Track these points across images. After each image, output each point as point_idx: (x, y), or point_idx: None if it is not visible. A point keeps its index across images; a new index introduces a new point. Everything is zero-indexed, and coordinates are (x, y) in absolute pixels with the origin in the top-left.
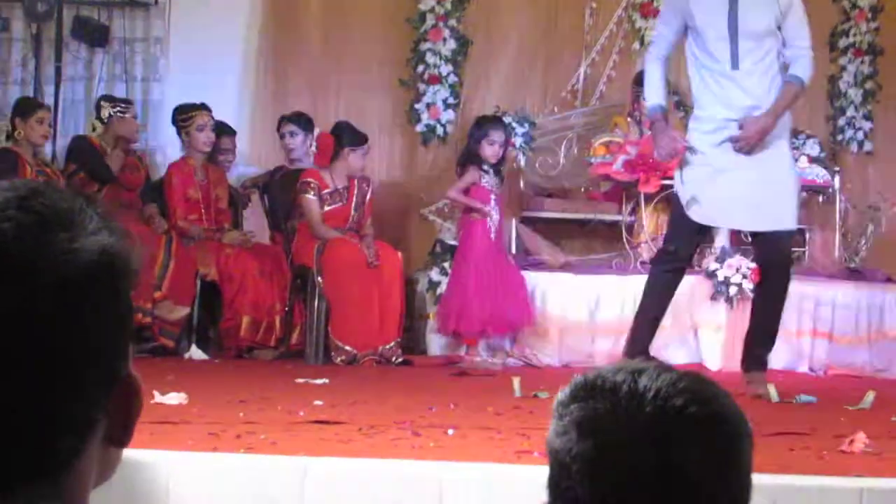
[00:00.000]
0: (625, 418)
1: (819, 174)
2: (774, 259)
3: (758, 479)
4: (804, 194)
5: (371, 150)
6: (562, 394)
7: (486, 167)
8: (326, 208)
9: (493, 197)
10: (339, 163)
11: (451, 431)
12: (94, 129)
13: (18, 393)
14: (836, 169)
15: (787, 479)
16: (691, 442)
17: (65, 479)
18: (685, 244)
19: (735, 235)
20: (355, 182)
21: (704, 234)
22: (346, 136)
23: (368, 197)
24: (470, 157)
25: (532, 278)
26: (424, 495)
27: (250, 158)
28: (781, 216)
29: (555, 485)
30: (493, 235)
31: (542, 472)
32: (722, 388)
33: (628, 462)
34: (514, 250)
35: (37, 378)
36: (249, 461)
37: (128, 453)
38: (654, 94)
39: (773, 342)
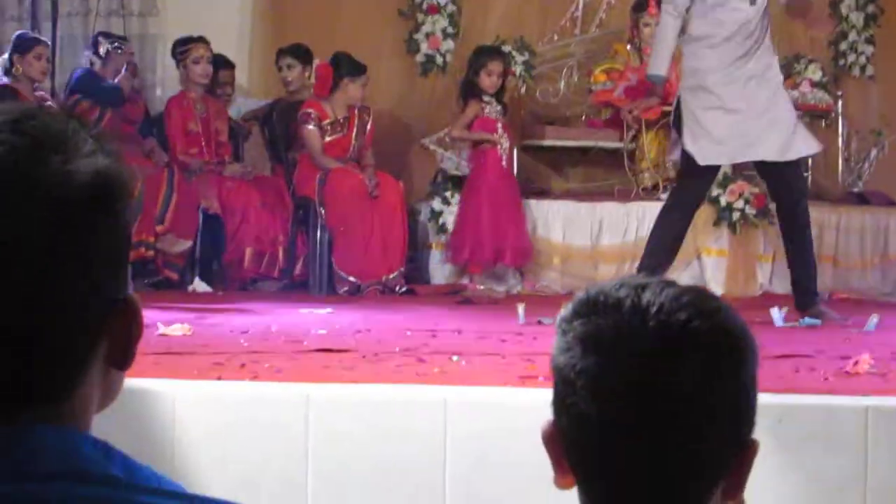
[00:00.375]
0: (628, 333)
1: (821, 99)
2: (792, 191)
3: (763, 398)
4: (807, 119)
5: (370, 80)
6: (564, 310)
7: (486, 98)
8: (327, 139)
9: (499, 125)
10: (339, 93)
11: (455, 357)
12: (91, 65)
13: (15, 317)
14: (839, 93)
15: (793, 399)
16: (695, 356)
17: (66, 403)
18: (703, 192)
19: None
20: (355, 112)
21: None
22: (345, 67)
23: (369, 127)
24: (470, 89)
25: (534, 206)
26: (429, 419)
27: (250, 91)
28: (787, 146)
29: (559, 402)
30: (504, 163)
31: (546, 396)
32: (726, 302)
33: (632, 377)
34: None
35: (33, 302)
36: (254, 389)
37: (134, 382)
38: (661, 64)
39: (816, 270)
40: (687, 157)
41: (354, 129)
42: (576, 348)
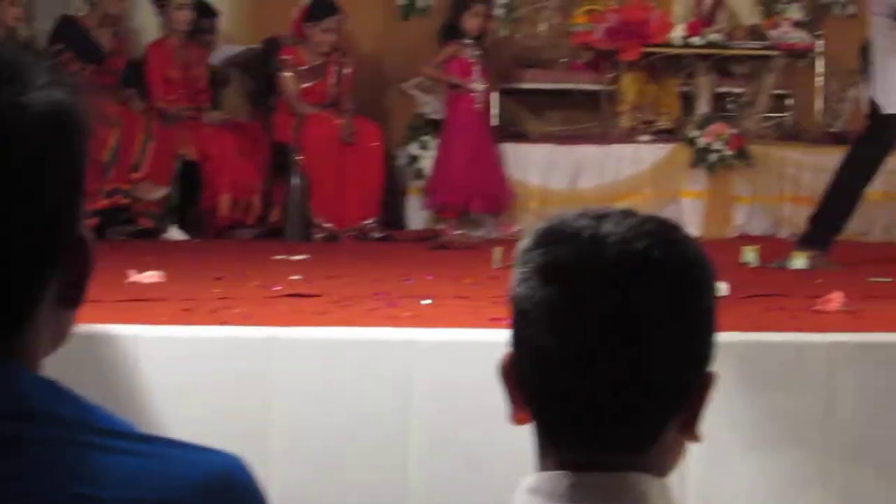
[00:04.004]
0: (587, 263)
1: (801, 38)
2: None
3: (730, 336)
4: (786, 59)
5: (347, 23)
6: (525, 241)
7: (466, 40)
8: (304, 85)
9: (476, 69)
10: (312, 38)
11: (426, 301)
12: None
13: None
14: (819, 33)
15: (758, 336)
16: (654, 285)
17: (17, 341)
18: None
19: (716, 102)
20: (333, 57)
21: None
22: (309, 11)
23: (347, 72)
24: (451, 31)
25: (513, 149)
26: (395, 361)
27: (231, 38)
28: None
29: (517, 333)
30: (478, 107)
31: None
32: (686, 232)
33: (591, 306)
34: (497, 122)
35: None
36: (218, 332)
37: (98, 328)
38: None
39: None
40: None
41: (332, 75)
42: (534, 278)
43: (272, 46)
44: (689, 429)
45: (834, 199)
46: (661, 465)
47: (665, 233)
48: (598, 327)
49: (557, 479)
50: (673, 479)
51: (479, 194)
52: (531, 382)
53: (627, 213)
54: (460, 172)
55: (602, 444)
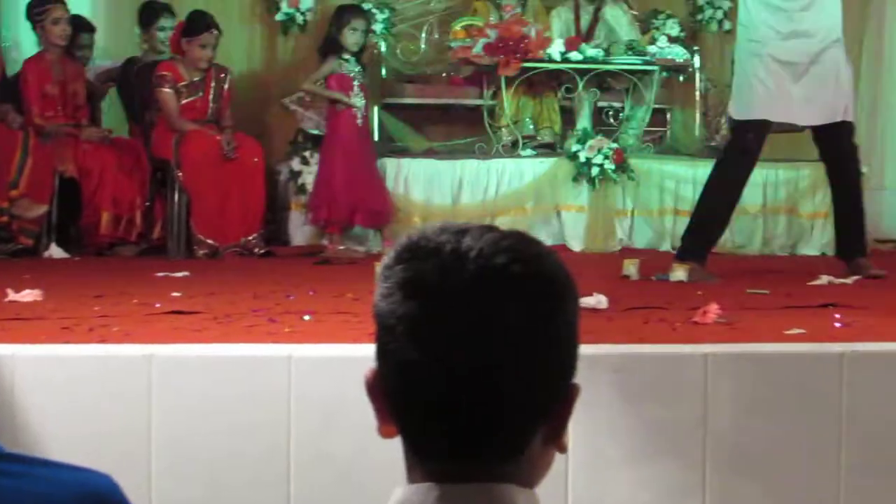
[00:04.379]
0: (448, 278)
1: (679, 54)
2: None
3: (606, 349)
4: (664, 74)
5: (226, 40)
6: (387, 257)
7: (346, 56)
8: (183, 101)
9: (356, 83)
10: (189, 54)
11: (307, 317)
12: None
13: None
14: (696, 48)
15: (634, 349)
16: (514, 300)
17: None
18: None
19: (597, 117)
20: (212, 73)
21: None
22: (184, 28)
23: (226, 88)
24: (331, 46)
25: (395, 165)
26: (273, 377)
27: (107, 53)
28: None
29: (381, 349)
30: (359, 122)
31: None
32: (546, 247)
33: (452, 320)
34: (377, 138)
35: None
36: (96, 351)
37: None
38: None
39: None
40: None
41: (211, 91)
42: (396, 294)
43: (132, 65)
44: (555, 439)
45: (705, 211)
46: (529, 475)
47: (524, 247)
48: (461, 341)
49: (425, 491)
50: (555, 491)
51: (362, 209)
52: (396, 396)
53: (487, 229)
54: (342, 187)
55: (468, 456)
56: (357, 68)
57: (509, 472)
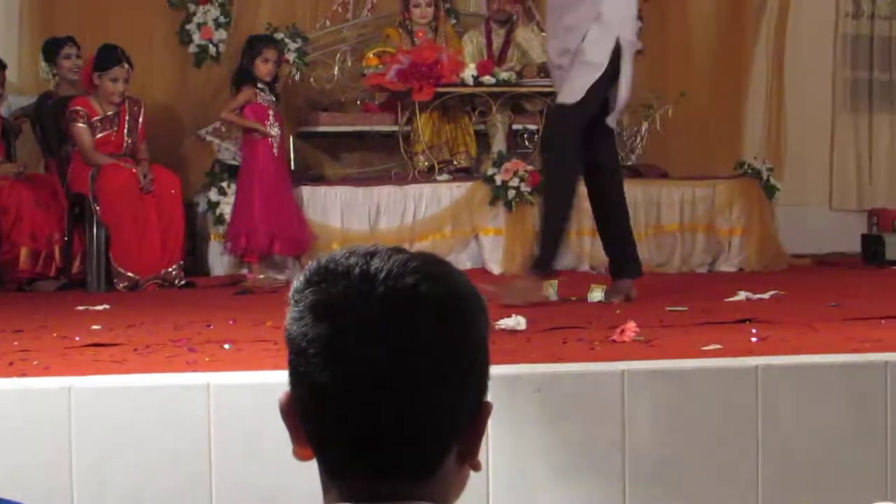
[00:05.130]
0: (357, 300)
1: None
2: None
3: (524, 369)
4: None
5: (142, 72)
6: (297, 281)
7: (260, 85)
8: (98, 135)
9: (271, 113)
10: (101, 88)
11: (227, 346)
12: None
13: None
14: None
15: (553, 367)
16: (423, 319)
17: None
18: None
19: (511, 140)
20: (126, 106)
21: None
22: (95, 62)
23: (141, 120)
24: (244, 77)
25: (312, 192)
26: (192, 405)
27: (20, 89)
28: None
29: (294, 371)
30: (275, 151)
31: None
32: (453, 267)
33: (363, 342)
34: (293, 166)
35: None
36: (15, 384)
37: None
38: None
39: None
40: None
41: (126, 125)
42: (307, 317)
43: (48, 99)
44: (469, 457)
45: (548, 221)
46: (444, 494)
47: (432, 268)
48: (372, 362)
49: None
50: None
51: (280, 237)
52: (310, 418)
53: (396, 250)
54: (260, 216)
55: (382, 476)
56: (271, 97)
57: (424, 491)
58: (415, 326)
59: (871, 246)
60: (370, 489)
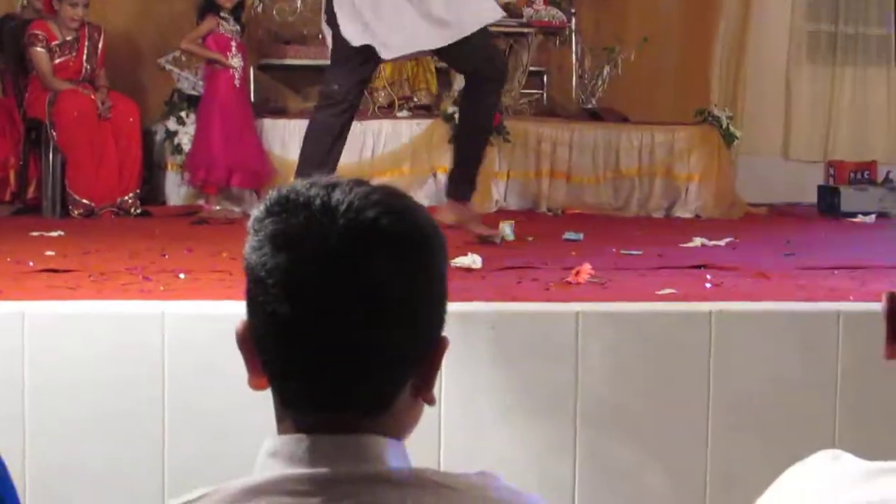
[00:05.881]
0: (318, 231)
1: (555, 16)
2: (480, 69)
3: (479, 306)
4: (541, 36)
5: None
6: (257, 210)
7: (224, 14)
8: (57, 60)
9: (233, 44)
10: (61, 13)
11: (182, 275)
12: None
13: None
14: (573, 10)
15: (507, 306)
16: (383, 253)
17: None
18: (353, 85)
19: None
20: (86, 32)
21: (371, 73)
22: None
23: (100, 47)
24: (208, 5)
25: (272, 125)
26: (147, 332)
27: None
28: (463, 23)
29: (252, 301)
30: (237, 83)
31: None
32: (415, 201)
33: (323, 274)
34: (253, 98)
35: None
36: None
37: None
38: None
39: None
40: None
41: (85, 50)
42: (266, 246)
43: (10, 21)
44: (423, 392)
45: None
46: (398, 427)
47: (394, 201)
48: (330, 294)
49: (294, 442)
50: (429, 447)
51: (240, 170)
52: (266, 348)
53: (357, 183)
54: (220, 148)
55: (337, 407)
56: (235, 27)
57: (378, 424)
58: (374, 260)
59: (827, 197)
60: (324, 420)
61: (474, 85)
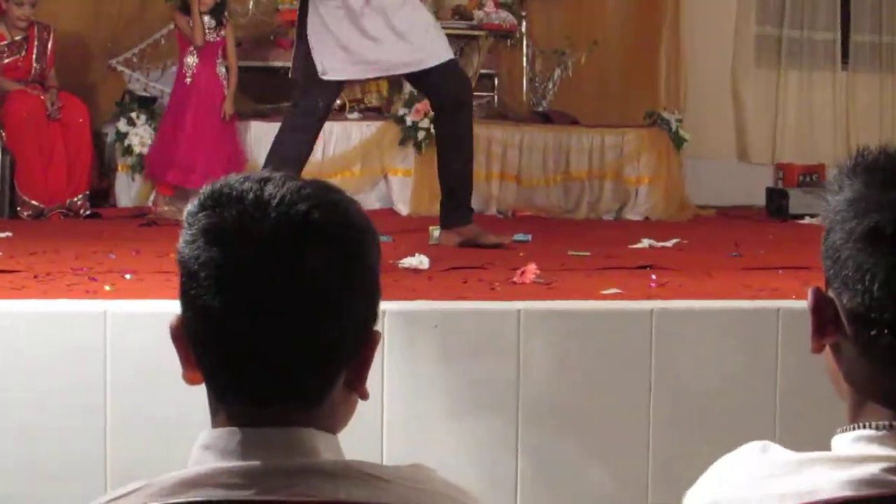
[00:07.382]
0: (250, 225)
1: (505, 19)
2: (455, 97)
3: (424, 305)
4: (491, 39)
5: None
6: (191, 204)
7: (203, 11)
8: (6, 60)
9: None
10: (9, 13)
11: (129, 276)
12: None
13: None
14: (523, 14)
15: (451, 305)
16: (315, 246)
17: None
18: (333, 99)
19: None
20: (35, 32)
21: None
22: None
23: (50, 47)
24: (181, 4)
25: (244, 125)
26: (91, 331)
27: None
28: (438, 51)
29: (185, 294)
30: (188, 80)
31: None
32: (347, 195)
33: (255, 267)
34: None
35: None
36: None
37: None
38: None
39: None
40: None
41: (35, 50)
42: (199, 240)
43: None
44: (357, 386)
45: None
46: (330, 421)
47: (325, 195)
48: (263, 287)
49: (227, 435)
50: (371, 445)
51: (198, 171)
52: (200, 342)
53: (289, 178)
54: (178, 146)
55: (270, 401)
56: (211, 24)
57: (311, 417)
58: (305, 254)
59: (776, 200)
60: (256, 414)
61: (449, 111)
